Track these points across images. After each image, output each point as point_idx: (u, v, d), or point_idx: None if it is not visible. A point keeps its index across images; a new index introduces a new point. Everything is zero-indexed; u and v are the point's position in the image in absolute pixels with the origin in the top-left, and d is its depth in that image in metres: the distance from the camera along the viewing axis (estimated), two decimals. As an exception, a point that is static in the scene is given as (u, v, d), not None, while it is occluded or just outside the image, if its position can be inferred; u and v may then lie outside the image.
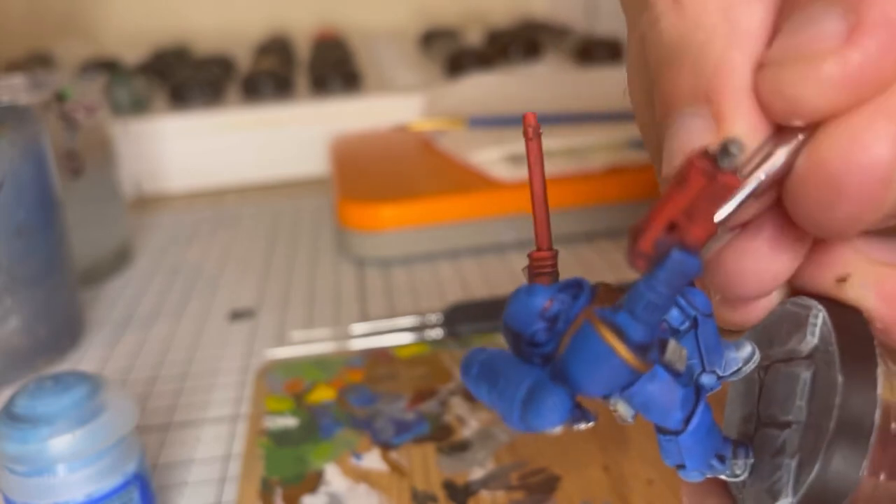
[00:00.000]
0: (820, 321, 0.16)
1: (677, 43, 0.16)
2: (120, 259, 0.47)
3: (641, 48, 0.18)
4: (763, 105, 0.15)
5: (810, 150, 0.14)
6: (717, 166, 0.14)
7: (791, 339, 0.17)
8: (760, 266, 0.16)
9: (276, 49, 0.76)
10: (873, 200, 0.14)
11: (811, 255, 0.16)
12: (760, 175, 0.15)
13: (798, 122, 0.15)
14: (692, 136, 0.15)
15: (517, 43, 0.72)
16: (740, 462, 0.17)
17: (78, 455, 0.24)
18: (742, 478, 0.18)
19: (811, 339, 0.16)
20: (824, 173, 0.14)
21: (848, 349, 0.16)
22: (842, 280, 0.16)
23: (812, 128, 0.15)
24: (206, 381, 0.36)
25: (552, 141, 0.50)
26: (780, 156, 0.15)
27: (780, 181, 0.15)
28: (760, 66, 0.15)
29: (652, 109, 0.18)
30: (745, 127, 0.15)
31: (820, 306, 0.17)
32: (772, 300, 0.18)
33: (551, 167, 0.47)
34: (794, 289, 0.17)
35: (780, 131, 0.15)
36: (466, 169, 0.49)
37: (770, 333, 0.18)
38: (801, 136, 0.15)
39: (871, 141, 0.13)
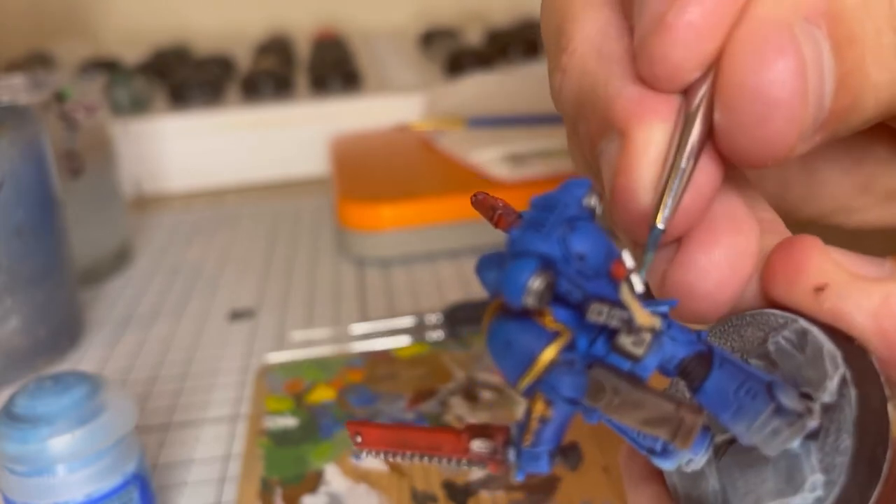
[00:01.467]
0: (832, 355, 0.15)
1: (576, 101, 0.18)
2: (120, 259, 0.47)
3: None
4: (651, 82, 0.16)
5: (723, 81, 0.15)
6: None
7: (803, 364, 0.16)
8: (709, 283, 0.16)
9: (276, 49, 0.76)
10: (797, 98, 0.15)
11: (786, 264, 0.16)
12: (688, 147, 0.16)
13: (686, 77, 0.15)
14: (611, 157, 0.17)
15: (517, 43, 0.72)
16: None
17: (78, 455, 0.24)
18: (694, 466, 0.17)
19: (831, 376, 0.15)
20: (745, 89, 0.15)
21: (863, 398, 0.15)
22: (819, 290, 0.16)
23: (705, 79, 0.15)
24: (205, 381, 0.36)
25: (552, 141, 0.50)
26: (694, 118, 0.15)
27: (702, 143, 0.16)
28: (635, 59, 0.16)
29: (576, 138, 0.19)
30: (642, 120, 0.16)
31: (817, 329, 0.16)
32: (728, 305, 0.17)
33: (551, 167, 0.47)
34: (767, 299, 0.17)
35: (681, 107, 0.16)
36: (466, 169, 0.49)
37: (747, 338, 0.17)
38: (700, 93, 0.16)
39: (775, 48, 0.14)
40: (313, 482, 0.28)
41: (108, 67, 0.68)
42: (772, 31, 0.14)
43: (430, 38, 0.79)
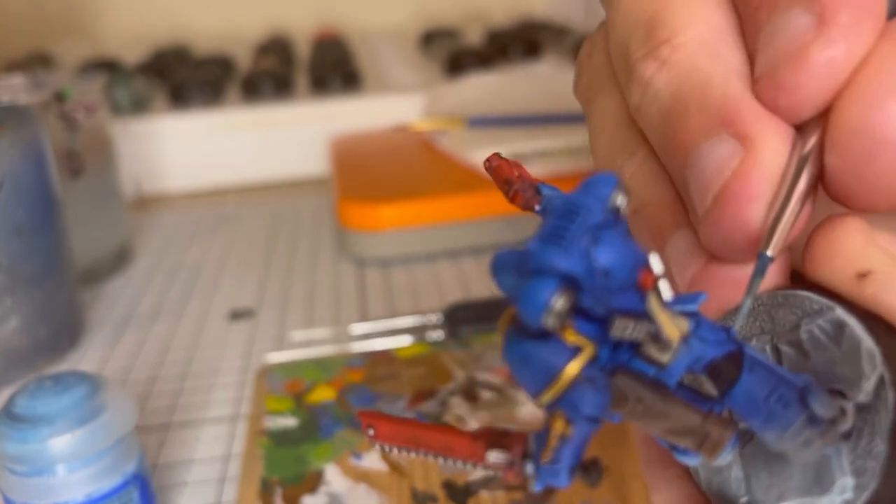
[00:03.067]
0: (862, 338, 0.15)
1: (675, 94, 0.17)
2: (120, 259, 0.47)
3: (630, 119, 0.19)
4: (771, 109, 0.16)
5: (837, 120, 0.15)
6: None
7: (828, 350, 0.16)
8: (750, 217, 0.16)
9: (276, 49, 0.76)
10: None
11: (829, 247, 0.16)
12: (803, 182, 0.15)
13: (808, 113, 0.15)
14: (721, 160, 0.16)
15: (517, 43, 0.72)
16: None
17: (77, 455, 0.24)
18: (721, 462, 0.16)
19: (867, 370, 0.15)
20: (856, 133, 0.15)
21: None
22: (862, 276, 0.15)
23: (820, 120, 0.15)
24: (205, 381, 0.36)
25: (552, 141, 0.50)
26: (807, 158, 0.15)
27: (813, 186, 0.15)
28: (755, 83, 0.16)
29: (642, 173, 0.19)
30: (772, 134, 0.15)
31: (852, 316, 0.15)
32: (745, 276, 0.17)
33: (552, 167, 0.47)
34: (806, 281, 0.16)
35: (793, 145, 0.15)
36: (466, 169, 0.49)
37: (777, 317, 0.17)
38: (812, 139, 0.15)
39: (888, 89, 0.14)
40: (313, 482, 0.28)
41: (108, 67, 0.68)
42: (886, 73, 0.14)
43: (430, 38, 0.79)
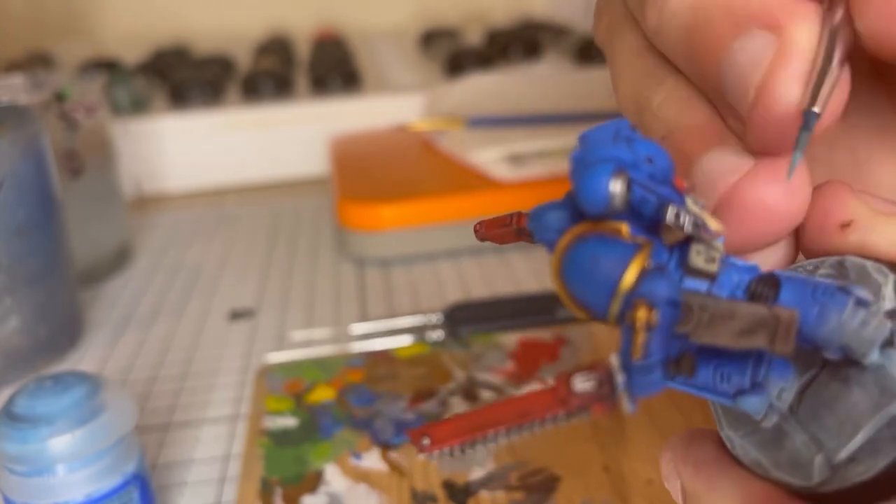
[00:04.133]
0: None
1: (693, 5, 0.17)
2: (120, 259, 0.47)
3: (651, 49, 0.19)
4: None
5: None
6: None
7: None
8: (779, 199, 0.16)
9: (276, 49, 0.76)
10: None
11: (816, 204, 0.17)
12: (838, 51, 0.16)
13: None
14: (756, 52, 0.16)
15: (517, 43, 0.72)
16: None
17: (77, 455, 0.24)
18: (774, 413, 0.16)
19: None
20: None
21: None
22: (845, 225, 0.16)
23: None
24: (205, 381, 0.36)
25: (552, 141, 0.50)
26: (838, 27, 0.16)
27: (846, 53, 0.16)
28: None
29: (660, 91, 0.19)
30: (801, 16, 0.16)
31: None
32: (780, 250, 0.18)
33: (552, 167, 0.47)
34: (800, 245, 0.17)
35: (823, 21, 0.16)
36: (466, 169, 0.49)
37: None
38: (839, 10, 0.16)
39: None
40: (313, 482, 0.28)
41: (108, 67, 0.68)
42: None
43: (430, 38, 0.79)
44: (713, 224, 0.15)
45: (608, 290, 0.14)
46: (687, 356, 0.15)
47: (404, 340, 0.37)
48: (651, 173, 0.15)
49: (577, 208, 0.15)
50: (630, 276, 0.14)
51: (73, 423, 0.24)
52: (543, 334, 0.36)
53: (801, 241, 0.17)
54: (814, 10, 0.16)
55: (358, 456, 0.30)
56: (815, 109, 0.16)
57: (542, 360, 0.34)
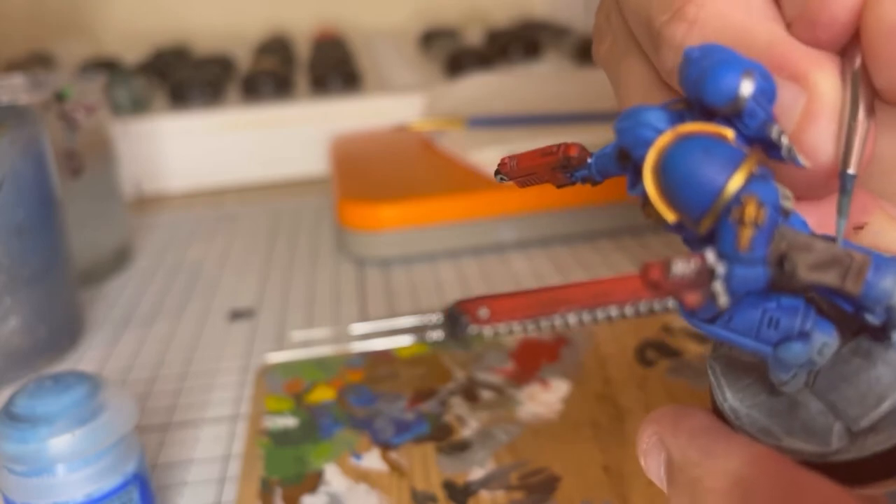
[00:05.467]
0: None
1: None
2: (120, 259, 0.47)
3: (662, 82, 0.20)
4: (815, 46, 0.17)
5: (869, 30, 0.16)
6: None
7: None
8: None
9: (276, 49, 0.76)
10: None
11: (831, 207, 0.17)
12: (862, 103, 0.16)
13: (846, 38, 0.17)
14: (785, 104, 0.17)
15: (517, 43, 0.72)
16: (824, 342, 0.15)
17: (77, 455, 0.24)
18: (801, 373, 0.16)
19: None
20: (890, 31, 0.16)
21: None
22: (859, 228, 0.17)
23: (857, 39, 0.16)
24: (205, 381, 0.36)
25: (552, 141, 0.50)
26: (858, 76, 0.16)
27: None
28: (790, 25, 0.17)
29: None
30: (824, 67, 0.16)
31: None
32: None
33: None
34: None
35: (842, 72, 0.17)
36: (466, 169, 0.49)
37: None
38: (858, 58, 0.16)
39: None
40: (313, 482, 0.28)
41: (108, 67, 0.68)
42: None
43: (430, 38, 0.79)
44: (802, 158, 0.16)
45: (714, 187, 0.14)
46: (788, 256, 0.15)
47: (404, 340, 0.37)
48: (763, 90, 0.15)
49: (677, 117, 0.15)
50: (740, 176, 0.14)
51: (73, 423, 0.24)
52: (543, 334, 0.36)
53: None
54: (833, 59, 0.17)
55: (358, 456, 0.30)
56: (851, 171, 0.16)
57: (543, 360, 0.34)
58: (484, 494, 0.27)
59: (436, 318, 0.38)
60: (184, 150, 0.58)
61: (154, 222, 0.54)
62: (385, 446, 0.30)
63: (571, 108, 0.54)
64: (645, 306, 0.15)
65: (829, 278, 0.15)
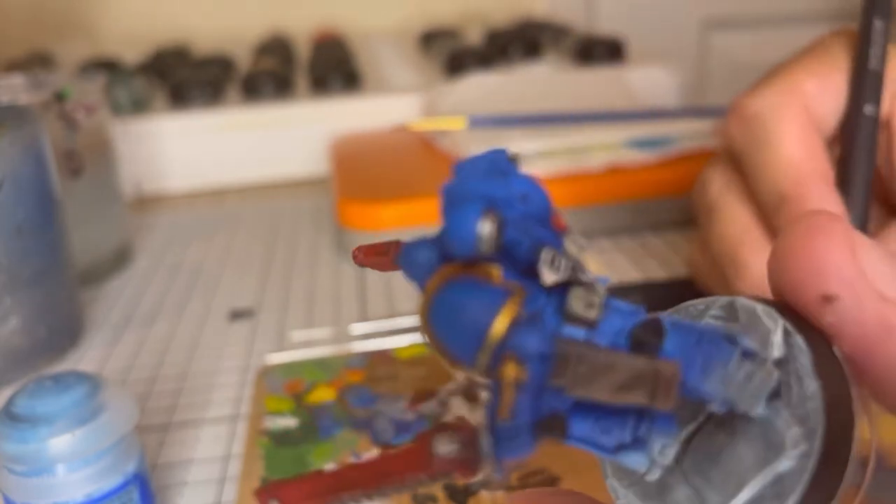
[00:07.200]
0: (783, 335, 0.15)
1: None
2: (120, 259, 0.47)
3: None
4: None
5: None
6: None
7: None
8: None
9: (276, 49, 0.76)
10: None
11: (803, 253, 0.14)
12: None
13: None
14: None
15: (517, 43, 0.72)
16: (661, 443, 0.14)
17: (77, 455, 0.24)
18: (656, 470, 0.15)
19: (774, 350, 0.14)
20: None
21: (827, 386, 0.14)
22: (827, 300, 0.14)
23: None
24: (205, 381, 0.36)
25: (552, 141, 0.50)
26: None
27: None
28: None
29: None
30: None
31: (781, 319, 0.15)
32: None
33: (552, 167, 0.47)
34: (772, 287, 0.16)
35: None
36: (466, 169, 0.49)
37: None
38: None
39: None
40: (313, 482, 0.28)
41: (108, 67, 0.68)
42: None
43: (430, 38, 0.79)
44: (592, 266, 0.14)
45: (476, 339, 0.13)
46: (558, 417, 0.14)
47: (404, 340, 0.37)
48: (526, 213, 0.14)
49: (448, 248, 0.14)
50: (499, 326, 0.13)
51: (73, 423, 0.24)
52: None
53: (771, 275, 0.15)
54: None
55: (358, 456, 0.29)
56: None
57: (542, 360, 0.34)
58: (484, 494, 0.27)
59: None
60: (184, 150, 0.58)
61: (154, 222, 0.54)
62: (385, 447, 0.30)
63: (571, 108, 0.54)
64: (428, 481, 0.14)
65: (638, 398, 0.13)
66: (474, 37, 0.81)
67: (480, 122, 0.54)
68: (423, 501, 0.27)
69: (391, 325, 0.38)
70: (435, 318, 0.14)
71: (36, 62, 0.72)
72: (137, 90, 0.61)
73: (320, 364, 0.35)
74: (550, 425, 0.14)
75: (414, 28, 0.87)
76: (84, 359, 0.38)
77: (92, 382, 0.25)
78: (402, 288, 0.43)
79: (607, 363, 0.13)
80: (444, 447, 0.13)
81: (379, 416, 0.32)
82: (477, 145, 0.50)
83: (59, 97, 0.43)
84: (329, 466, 0.14)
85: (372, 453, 0.13)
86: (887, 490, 0.15)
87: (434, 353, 0.15)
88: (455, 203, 0.13)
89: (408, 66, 0.72)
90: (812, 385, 0.14)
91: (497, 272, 0.14)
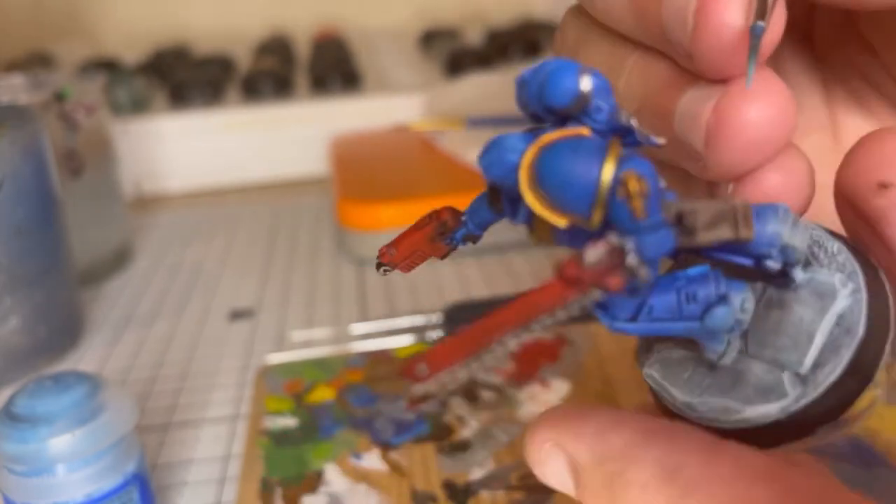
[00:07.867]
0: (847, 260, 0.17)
1: None
2: (120, 259, 0.47)
3: (605, 31, 0.21)
4: None
5: None
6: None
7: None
8: (760, 114, 0.17)
9: (276, 49, 0.76)
10: None
11: (854, 156, 0.16)
12: None
13: None
14: None
15: (517, 43, 0.72)
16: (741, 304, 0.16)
17: (77, 455, 0.24)
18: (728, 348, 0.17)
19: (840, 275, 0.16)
20: None
21: (873, 304, 0.16)
22: (882, 187, 0.16)
23: None
24: (205, 381, 0.36)
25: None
26: None
27: None
28: None
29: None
30: None
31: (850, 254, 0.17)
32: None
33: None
34: (836, 190, 0.17)
35: None
36: (466, 169, 0.49)
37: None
38: None
39: None
40: (313, 482, 0.28)
41: (108, 67, 0.68)
42: None
43: (430, 38, 0.79)
44: (658, 138, 0.16)
45: (591, 179, 0.15)
46: (692, 211, 0.15)
47: (404, 340, 0.37)
48: (600, 87, 0.16)
49: (533, 136, 0.16)
50: (610, 162, 0.15)
51: (73, 423, 0.24)
52: (544, 334, 0.36)
53: (839, 173, 0.17)
54: None
55: (358, 456, 0.30)
56: (760, 23, 0.16)
57: (543, 360, 0.34)
58: (484, 494, 0.27)
59: (436, 317, 0.38)
60: (184, 150, 0.58)
61: (154, 222, 0.54)
62: (385, 446, 0.30)
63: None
64: (576, 306, 0.14)
65: (724, 232, 0.15)
66: (474, 37, 0.81)
67: (480, 123, 0.54)
68: (423, 501, 0.27)
69: (391, 325, 0.38)
70: (544, 179, 0.15)
71: (36, 62, 0.72)
72: (137, 90, 0.61)
73: (320, 364, 0.35)
74: (682, 216, 0.15)
75: (414, 28, 0.87)
76: (84, 359, 0.38)
77: (92, 382, 0.25)
78: (402, 288, 0.43)
79: (691, 207, 0.15)
80: (594, 255, 0.14)
81: (379, 416, 0.33)
82: (477, 145, 0.50)
83: (59, 97, 0.43)
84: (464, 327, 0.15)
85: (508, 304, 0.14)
86: (889, 490, 0.15)
87: (539, 227, 0.16)
88: (553, 68, 0.16)
89: (408, 66, 0.72)
90: (834, 244, 0.17)
91: (588, 131, 0.16)
